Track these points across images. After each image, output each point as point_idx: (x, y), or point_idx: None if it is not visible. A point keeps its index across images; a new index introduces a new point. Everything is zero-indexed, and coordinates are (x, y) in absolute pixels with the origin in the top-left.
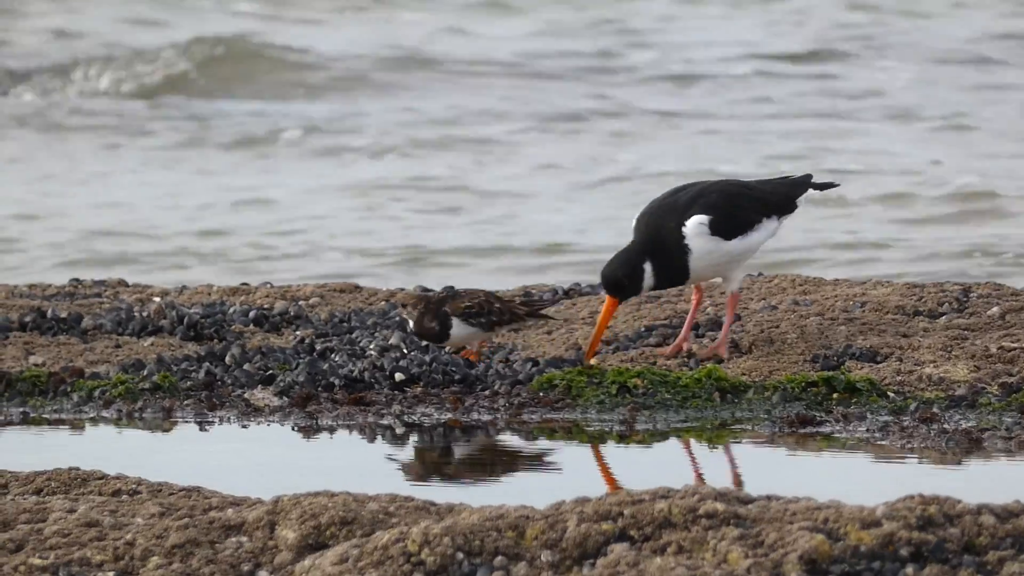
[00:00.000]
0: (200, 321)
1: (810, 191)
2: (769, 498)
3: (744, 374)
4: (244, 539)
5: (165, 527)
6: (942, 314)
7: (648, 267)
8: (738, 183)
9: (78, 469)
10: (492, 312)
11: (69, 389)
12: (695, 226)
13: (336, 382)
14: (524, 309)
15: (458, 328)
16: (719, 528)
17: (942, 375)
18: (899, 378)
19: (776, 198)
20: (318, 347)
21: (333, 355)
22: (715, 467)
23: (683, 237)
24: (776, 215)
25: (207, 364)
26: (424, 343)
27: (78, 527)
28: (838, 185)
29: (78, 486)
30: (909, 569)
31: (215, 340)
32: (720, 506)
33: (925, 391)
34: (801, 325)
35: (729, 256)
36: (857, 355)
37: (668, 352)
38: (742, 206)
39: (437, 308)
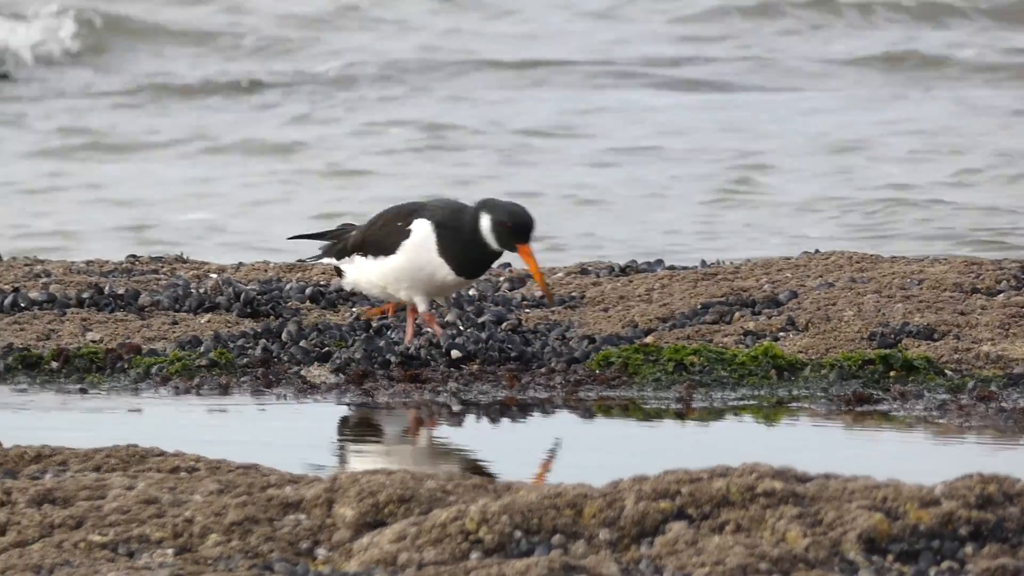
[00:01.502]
0: (257, 298)
1: None
2: (827, 476)
3: (801, 352)
4: (302, 517)
5: (224, 504)
6: (1000, 291)
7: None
8: None
9: (136, 446)
10: None
11: (126, 366)
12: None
13: (392, 359)
14: None
15: None
16: (777, 507)
17: (1000, 353)
18: (957, 356)
19: None
20: (374, 324)
21: (389, 332)
22: (772, 445)
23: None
24: None
25: (263, 341)
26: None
27: (137, 504)
28: None
29: (137, 463)
30: (968, 548)
31: (271, 317)
32: (778, 484)
33: (983, 369)
34: (858, 302)
35: None
36: (914, 333)
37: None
38: None
39: None
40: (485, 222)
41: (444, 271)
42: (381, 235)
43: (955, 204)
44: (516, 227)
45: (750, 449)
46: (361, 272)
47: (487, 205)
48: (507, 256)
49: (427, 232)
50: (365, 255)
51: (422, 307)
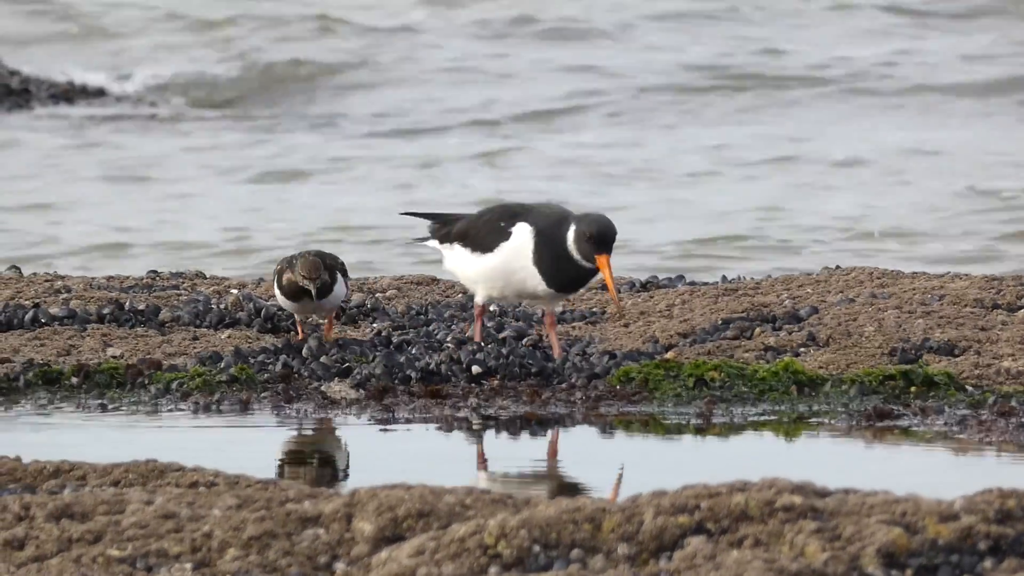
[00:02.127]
0: (277, 313)
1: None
2: (847, 491)
3: (821, 367)
4: (321, 531)
5: (242, 519)
6: (1021, 307)
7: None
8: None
9: (155, 461)
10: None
11: (147, 381)
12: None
13: (413, 375)
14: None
15: (339, 285)
16: (796, 521)
17: (1021, 368)
18: (977, 371)
19: None
20: (395, 340)
21: (410, 348)
22: (792, 460)
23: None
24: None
25: (284, 356)
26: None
27: (156, 519)
28: None
29: (155, 478)
30: (987, 563)
31: (292, 332)
32: (797, 499)
33: (1003, 385)
34: (879, 318)
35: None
36: (935, 348)
37: None
38: None
39: (323, 262)
40: (571, 233)
41: (535, 280)
42: (483, 231)
43: None
44: (597, 236)
45: (770, 464)
46: (458, 263)
47: (576, 216)
48: None
49: (526, 238)
50: (465, 247)
51: (479, 299)
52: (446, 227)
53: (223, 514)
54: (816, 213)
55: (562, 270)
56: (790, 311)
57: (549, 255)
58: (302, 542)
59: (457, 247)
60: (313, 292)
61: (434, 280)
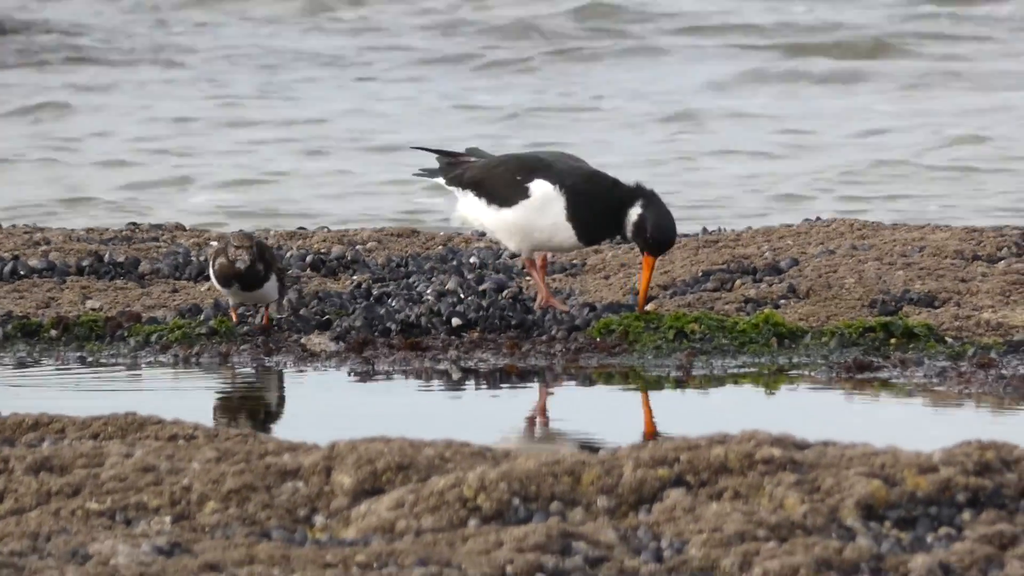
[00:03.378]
0: None
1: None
2: (826, 444)
3: (801, 319)
4: (300, 484)
5: (221, 472)
6: (1001, 259)
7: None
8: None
9: (135, 414)
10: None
11: (126, 334)
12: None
13: (393, 327)
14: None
15: (271, 283)
16: (776, 474)
17: (1000, 320)
18: (957, 323)
19: None
20: (375, 292)
21: (390, 300)
22: (772, 412)
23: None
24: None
25: (264, 309)
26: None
27: (135, 472)
28: None
29: (135, 431)
30: (966, 515)
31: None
32: (777, 452)
33: (983, 336)
34: (859, 270)
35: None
36: (915, 300)
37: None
38: None
39: (261, 251)
40: (634, 213)
41: (566, 234)
42: (499, 184)
43: None
44: (656, 241)
45: (749, 416)
46: (473, 212)
47: (647, 197)
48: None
49: (551, 195)
50: (479, 197)
51: (525, 255)
52: (458, 168)
53: (202, 467)
54: None
55: (600, 227)
56: (770, 263)
57: (588, 211)
58: (281, 495)
59: (471, 195)
60: (242, 265)
61: (415, 232)
